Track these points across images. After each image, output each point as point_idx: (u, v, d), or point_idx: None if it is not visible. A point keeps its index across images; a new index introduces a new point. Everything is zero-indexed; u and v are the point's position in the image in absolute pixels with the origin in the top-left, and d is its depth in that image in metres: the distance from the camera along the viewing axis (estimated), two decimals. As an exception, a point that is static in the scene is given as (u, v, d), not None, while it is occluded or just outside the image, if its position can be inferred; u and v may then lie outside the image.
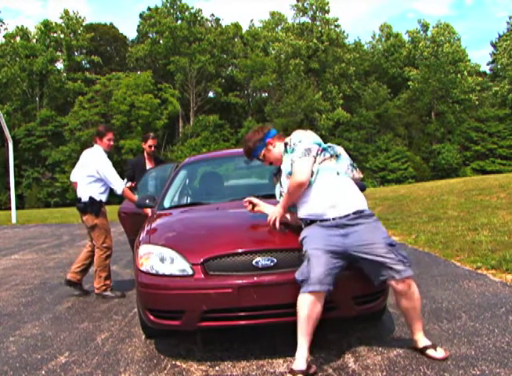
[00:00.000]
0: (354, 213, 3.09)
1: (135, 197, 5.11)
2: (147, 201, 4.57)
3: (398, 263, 2.97)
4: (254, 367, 3.09)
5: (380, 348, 3.25)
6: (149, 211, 4.87)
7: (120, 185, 5.26)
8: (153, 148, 6.26)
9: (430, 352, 3.04)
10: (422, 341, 3.11)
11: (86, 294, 5.40)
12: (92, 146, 5.54)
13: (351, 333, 3.58)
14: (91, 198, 5.27)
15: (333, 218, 3.09)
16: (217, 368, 3.12)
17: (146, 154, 6.32)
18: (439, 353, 3.02)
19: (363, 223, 3.07)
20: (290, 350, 3.01)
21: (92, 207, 5.26)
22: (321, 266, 2.92)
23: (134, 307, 4.64)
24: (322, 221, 3.12)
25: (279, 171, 3.46)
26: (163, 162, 6.83)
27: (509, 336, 3.30)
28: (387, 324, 3.77)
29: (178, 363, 3.25)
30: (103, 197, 5.35)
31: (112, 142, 5.52)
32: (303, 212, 3.23)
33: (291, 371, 2.87)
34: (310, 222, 3.19)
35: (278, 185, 3.47)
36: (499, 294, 4.34)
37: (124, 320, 4.34)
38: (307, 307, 2.90)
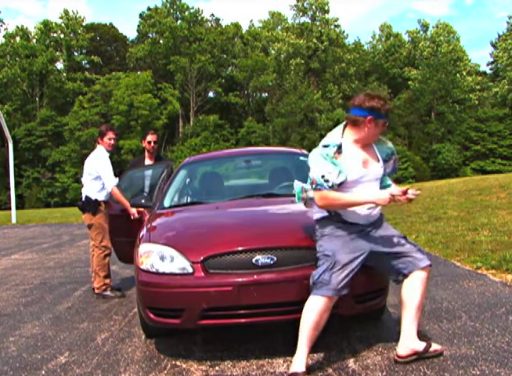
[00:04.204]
0: (378, 217, 3.12)
1: (123, 198, 5.12)
2: (143, 201, 4.57)
3: (418, 252, 3.03)
4: (254, 367, 3.09)
5: (380, 348, 3.24)
6: (134, 211, 5.01)
7: (110, 182, 5.19)
8: (152, 144, 5.83)
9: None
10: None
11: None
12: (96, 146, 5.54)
13: (351, 333, 3.58)
14: (86, 197, 5.27)
15: (362, 224, 3.04)
16: (217, 368, 3.12)
17: (146, 152, 5.98)
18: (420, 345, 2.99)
19: (381, 223, 3.12)
20: (290, 350, 3.00)
21: (88, 205, 5.24)
22: (344, 274, 2.90)
23: (134, 307, 4.64)
24: (352, 223, 3.02)
25: (339, 148, 2.98)
26: (163, 160, 6.37)
27: (509, 336, 3.30)
28: (387, 324, 3.76)
29: (178, 363, 3.25)
30: (99, 196, 5.27)
31: (113, 142, 5.45)
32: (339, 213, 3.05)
33: (292, 375, 2.86)
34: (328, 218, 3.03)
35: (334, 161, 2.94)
36: (499, 294, 4.34)
37: (124, 320, 4.34)
38: (317, 311, 2.87)
